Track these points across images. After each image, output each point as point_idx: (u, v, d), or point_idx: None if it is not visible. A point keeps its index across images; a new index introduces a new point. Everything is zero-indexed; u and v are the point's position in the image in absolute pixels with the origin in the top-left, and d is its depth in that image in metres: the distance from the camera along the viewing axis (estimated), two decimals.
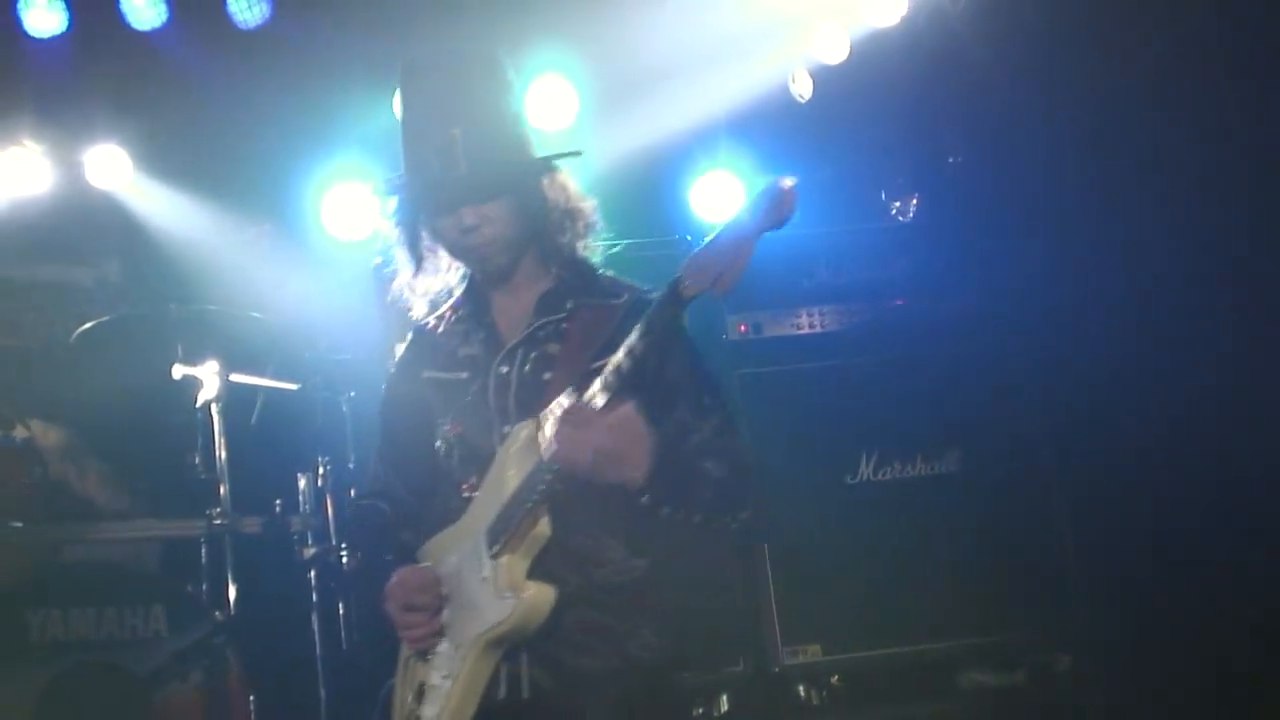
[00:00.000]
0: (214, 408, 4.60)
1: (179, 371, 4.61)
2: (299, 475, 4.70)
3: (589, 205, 2.79)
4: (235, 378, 4.68)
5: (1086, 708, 4.38)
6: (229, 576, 4.47)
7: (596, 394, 2.50)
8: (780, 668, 4.28)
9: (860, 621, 4.34)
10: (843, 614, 4.33)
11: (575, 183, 2.79)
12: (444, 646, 2.65)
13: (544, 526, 2.58)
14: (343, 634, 4.63)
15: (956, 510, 4.44)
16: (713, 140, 5.48)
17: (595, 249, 2.81)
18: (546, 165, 2.76)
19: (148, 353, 4.68)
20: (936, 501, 4.46)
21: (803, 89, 5.45)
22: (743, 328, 4.56)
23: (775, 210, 2.42)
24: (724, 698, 4.28)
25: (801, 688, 4.37)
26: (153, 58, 5.23)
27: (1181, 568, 4.73)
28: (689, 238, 4.59)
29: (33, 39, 5.08)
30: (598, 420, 2.48)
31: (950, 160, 5.41)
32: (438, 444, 2.75)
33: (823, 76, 5.44)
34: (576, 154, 2.80)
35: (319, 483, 4.71)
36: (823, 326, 4.62)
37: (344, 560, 4.58)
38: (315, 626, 4.53)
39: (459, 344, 2.80)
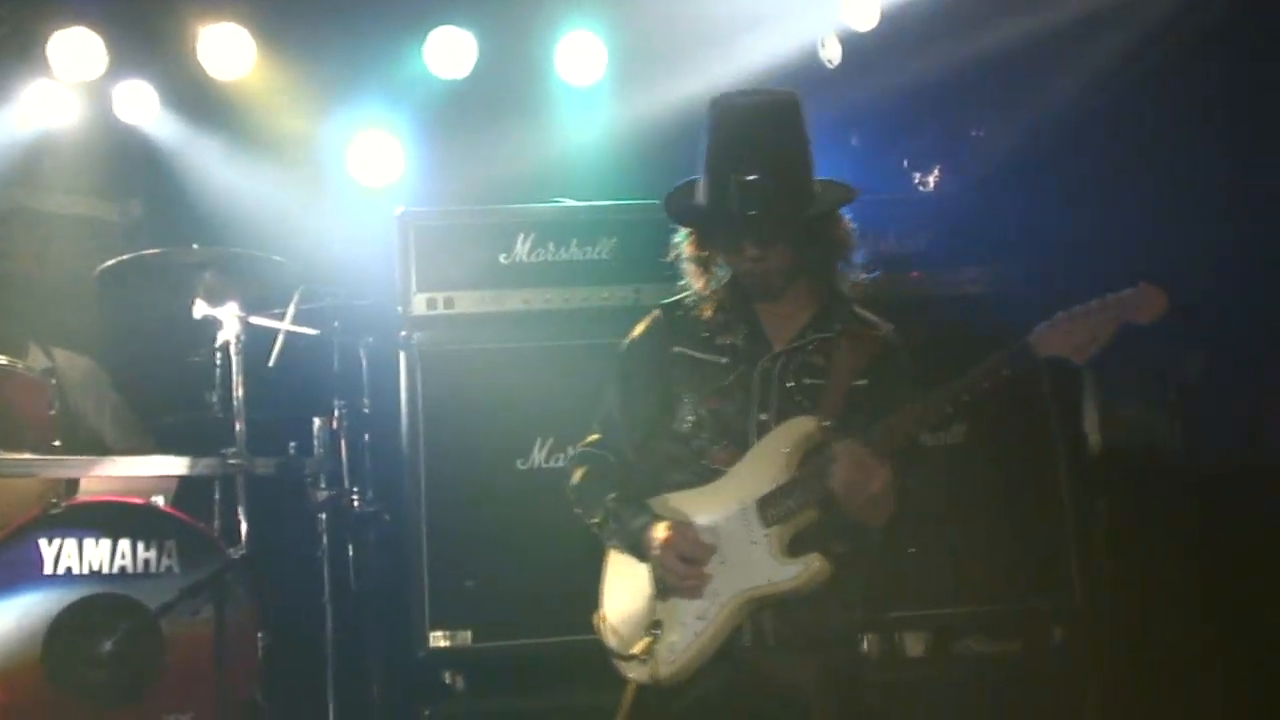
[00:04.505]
0: (233, 348, 4.65)
1: (200, 311, 4.63)
2: (314, 418, 4.75)
3: (855, 245, 3.17)
4: (255, 320, 4.72)
5: (1080, 679, 4.43)
6: (241, 516, 4.54)
7: (889, 445, 2.92)
8: None
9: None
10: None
11: (849, 226, 3.16)
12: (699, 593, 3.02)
13: (815, 512, 3.01)
14: (351, 575, 4.71)
15: (960, 480, 4.47)
16: None
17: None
18: (828, 214, 3.11)
19: (169, 291, 4.70)
20: (940, 471, 4.48)
21: (832, 54, 5.44)
22: None
23: (1148, 313, 2.84)
24: None
25: None
26: None
27: (1180, 543, 4.78)
28: None
29: None
30: (880, 473, 2.90)
31: (973, 134, 5.40)
32: (685, 414, 3.14)
33: (852, 43, 5.43)
34: (853, 197, 3.14)
35: (334, 426, 4.76)
36: None
37: (355, 503, 4.67)
38: (325, 568, 4.60)
39: (717, 332, 3.17)
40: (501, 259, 4.56)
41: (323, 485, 4.64)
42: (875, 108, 5.61)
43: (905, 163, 5.41)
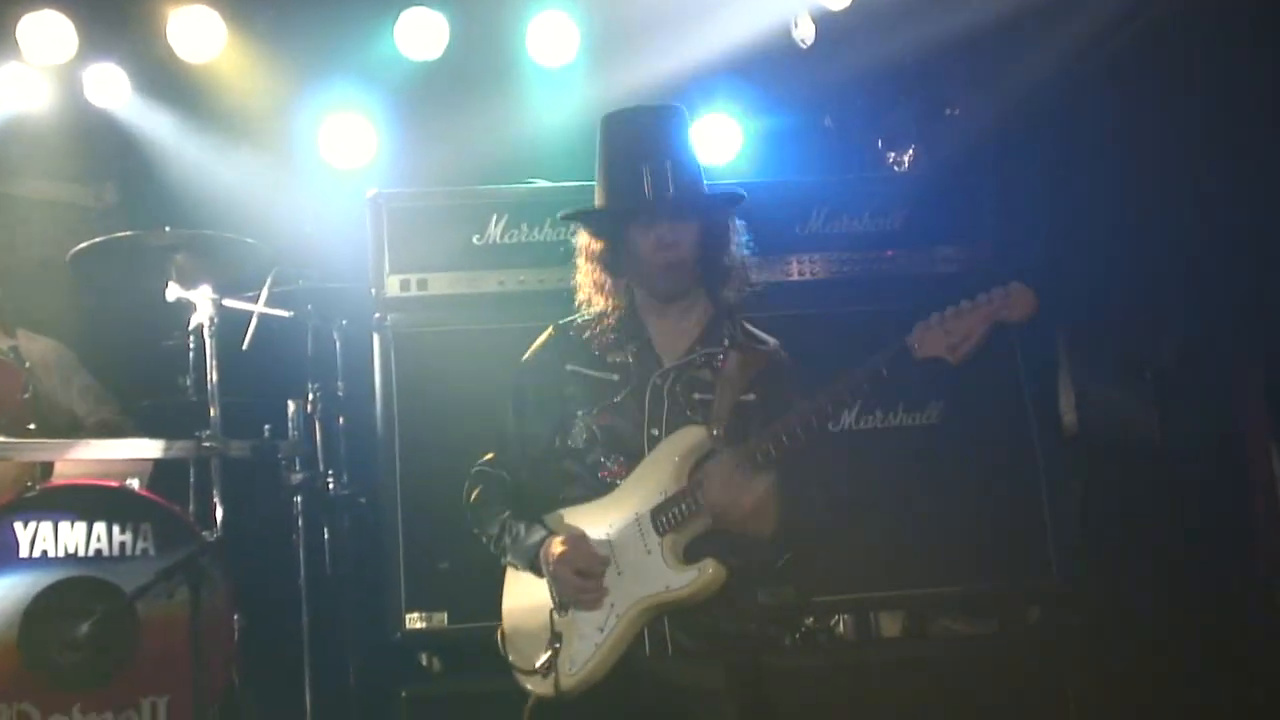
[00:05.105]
0: (206, 331, 4.64)
1: (173, 294, 4.63)
2: (289, 401, 4.74)
3: (746, 263, 3.28)
4: (228, 303, 4.71)
5: (1056, 658, 4.45)
6: (217, 498, 4.53)
7: (759, 461, 2.98)
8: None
9: (842, 569, 4.38)
10: (845, 561, 4.36)
11: (741, 247, 3.27)
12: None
13: (708, 519, 3.05)
14: (326, 558, 4.70)
15: (936, 461, 4.49)
16: (711, 82, 5.48)
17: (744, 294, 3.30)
18: (732, 203, 3.25)
19: (142, 275, 4.69)
20: (917, 451, 4.50)
21: (805, 34, 5.43)
22: None
23: (1019, 311, 2.87)
24: None
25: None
26: None
27: (1155, 523, 4.81)
28: None
29: None
30: (751, 487, 2.98)
31: (948, 113, 5.40)
32: (579, 431, 3.20)
33: (826, 22, 5.42)
34: (742, 198, 3.27)
35: (308, 409, 4.76)
36: (813, 274, 4.63)
37: (330, 486, 4.67)
38: (300, 550, 4.60)
39: (609, 350, 3.25)
40: (475, 240, 4.55)
41: (297, 468, 4.64)
42: (849, 87, 5.61)
43: (880, 142, 5.41)
